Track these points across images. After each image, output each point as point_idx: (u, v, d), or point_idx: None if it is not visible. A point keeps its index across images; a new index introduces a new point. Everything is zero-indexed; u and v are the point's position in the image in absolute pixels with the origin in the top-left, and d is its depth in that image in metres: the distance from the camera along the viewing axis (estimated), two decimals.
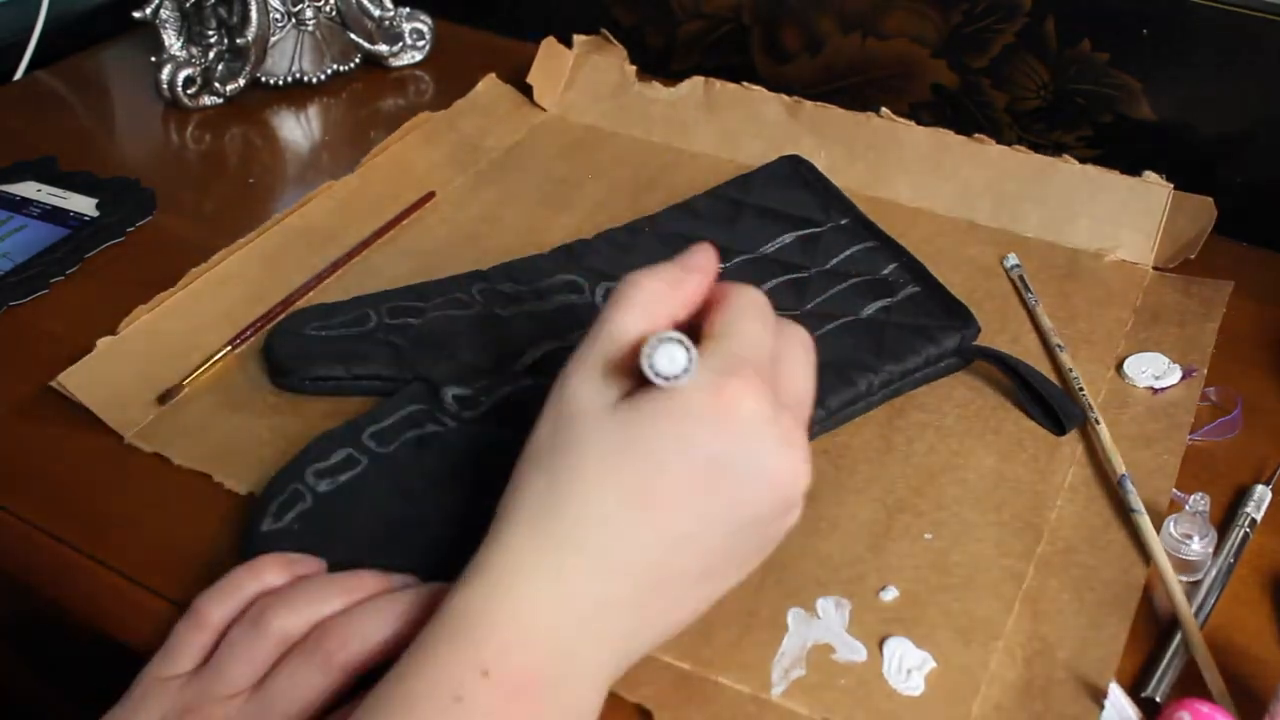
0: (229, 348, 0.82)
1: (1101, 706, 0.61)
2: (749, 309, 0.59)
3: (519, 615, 0.54)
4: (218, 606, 0.61)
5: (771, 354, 0.59)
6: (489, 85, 1.12)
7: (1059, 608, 0.66)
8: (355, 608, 0.59)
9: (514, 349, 0.78)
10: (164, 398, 0.78)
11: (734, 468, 0.55)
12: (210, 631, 0.60)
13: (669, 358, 0.54)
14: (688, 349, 0.54)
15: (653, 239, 0.89)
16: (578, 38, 1.12)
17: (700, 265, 0.61)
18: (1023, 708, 0.61)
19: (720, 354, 0.56)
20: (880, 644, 0.64)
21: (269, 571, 0.63)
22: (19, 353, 0.84)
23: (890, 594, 0.66)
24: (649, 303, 0.58)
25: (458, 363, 0.77)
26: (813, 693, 0.61)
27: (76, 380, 0.79)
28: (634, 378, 0.57)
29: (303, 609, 0.59)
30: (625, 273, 0.84)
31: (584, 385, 0.57)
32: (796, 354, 0.61)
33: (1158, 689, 0.62)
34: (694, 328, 0.59)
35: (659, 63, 1.18)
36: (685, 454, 0.55)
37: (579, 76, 1.11)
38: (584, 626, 0.55)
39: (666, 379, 0.54)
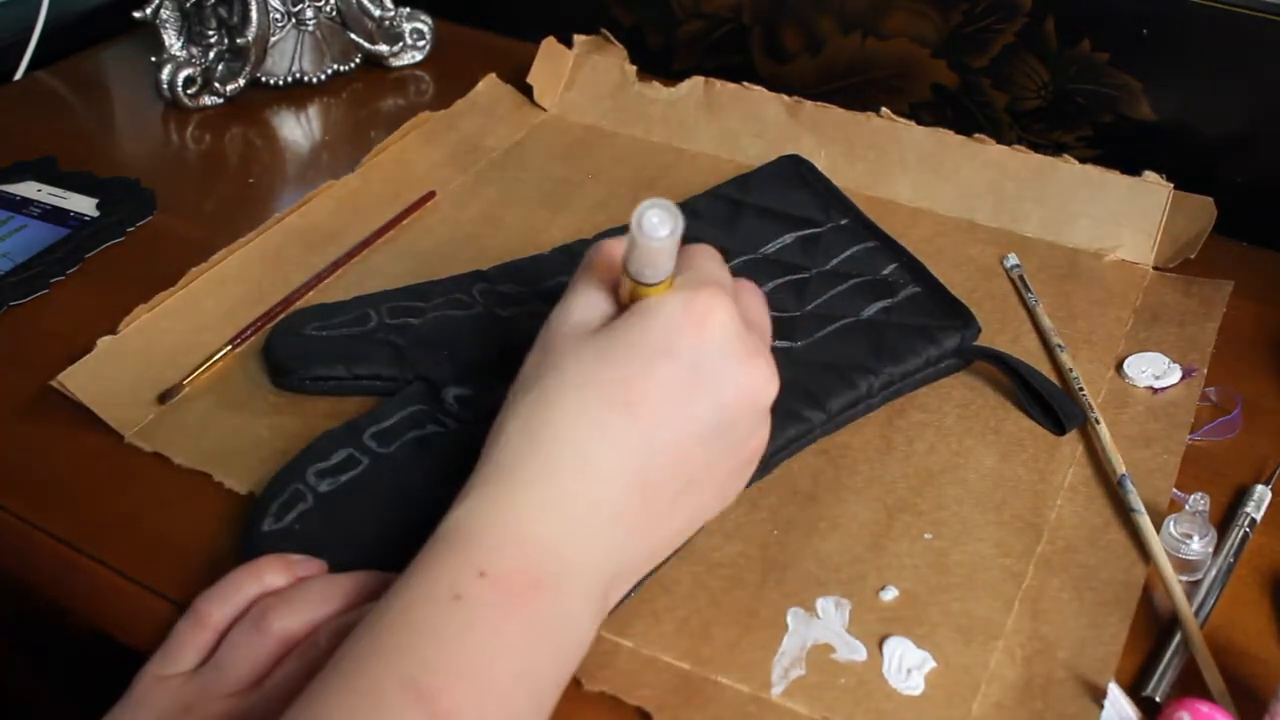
0: (229, 347, 0.82)
1: (1101, 706, 0.61)
2: (704, 252, 0.64)
3: (511, 520, 0.56)
4: (218, 607, 0.61)
5: (731, 287, 0.63)
6: (489, 85, 1.12)
7: (1059, 607, 0.66)
8: (357, 609, 0.59)
9: (514, 349, 0.77)
10: (164, 397, 0.78)
11: (708, 371, 0.58)
12: (211, 631, 0.61)
13: (657, 218, 0.56)
14: (674, 212, 0.56)
15: None
16: (578, 38, 1.12)
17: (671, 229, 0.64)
18: (1023, 707, 0.61)
19: (688, 277, 0.60)
20: (880, 643, 0.64)
21: (270, 572, 0.63)
22: (19, 353, 0.84)
23: (890, 593, 0.66)
24: (613, 261, 0.62)
25: (458, 363, 0.77)
26: (813, 692, 0.61)
27: (77, 379, 0.79)
28: (605, 313, 0.62)
29: (304, 610, 0.60)
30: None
31: (565, 322, 0.61)
32: (751, 293, 0.66)
33: (1157, 689, 0.62)
34: None
35: (659, 63, 1.18)
36: (662, 358, 0.58)
37: (579, 76, 1.11)
38: (574, 530, 0.57)
39: (655, 238, 0.56)
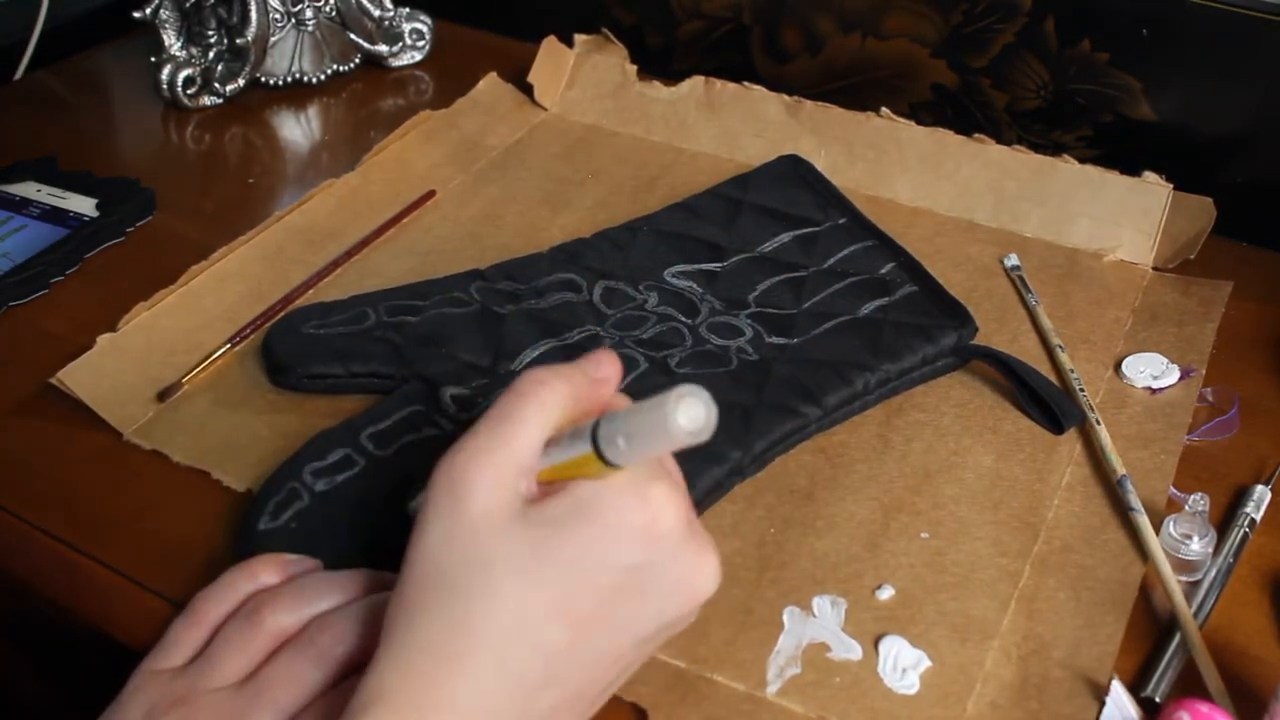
0: (228, 345, 0.82)
1: (1099, 704, 0.61)
2: None
3: None
4: (214, 605, 0.61)
5: (676, 470, 0.57)
6: (490, 84, 1.12)
7: (1055, 606, 0.66)
8: (351, 605, 0.59)
9: (512, 347, 0.78)
10: (163, 395, 0.79)
11: (656, 578, 0.53)
12: (205, 628, 0.61)
13: (689, 413, 0.49)
14: (703, 397, 0.49)
15: (651, 238, 0.89)
16: (579, 37, 1.12)
17: (608, 376, 0.57)
18: (1018, 706, 0.61)
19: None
20: (876, 642, 0.64)
21: (265, 571, 0.63)
22: (19, 352, 0.84)
23: (886, 593, 0.66)
24: (553, 406, 0.55)
25: (456, 361, 0.77)
26: (808, 691, 0.61)
27: (76, 377, 0.79)
28: (532, 480, 0.54)
29: (298, 606, 0.59)
30: (624, 271, 0.85)
31: (487, 490, 0.53)
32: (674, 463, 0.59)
33: (1157, 689, 0.62)
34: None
35: (659, 63, 1.18)
36: (610, 566, 0.52)
37: (580, 76, 1.11)
38: None
39: (692, 433, 0.49)
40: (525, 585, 0.51)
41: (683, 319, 0.82)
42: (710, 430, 0.49)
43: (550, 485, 0.54)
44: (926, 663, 0.63)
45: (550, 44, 1.11)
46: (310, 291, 0.88)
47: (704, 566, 0.54)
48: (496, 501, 0.52)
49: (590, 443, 0.52)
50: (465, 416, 0.73)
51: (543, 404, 0.54)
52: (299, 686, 0.56)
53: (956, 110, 1.07)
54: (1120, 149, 1.01)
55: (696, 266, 0.86)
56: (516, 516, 0.52)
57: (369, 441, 0.72)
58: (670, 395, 0.49)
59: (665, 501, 0.52)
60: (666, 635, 0.56)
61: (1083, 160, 0.94)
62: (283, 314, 0.84)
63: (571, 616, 0.51)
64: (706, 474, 0.70)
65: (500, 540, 0.52)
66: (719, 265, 0.86)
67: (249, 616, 0.59)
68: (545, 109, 1.11)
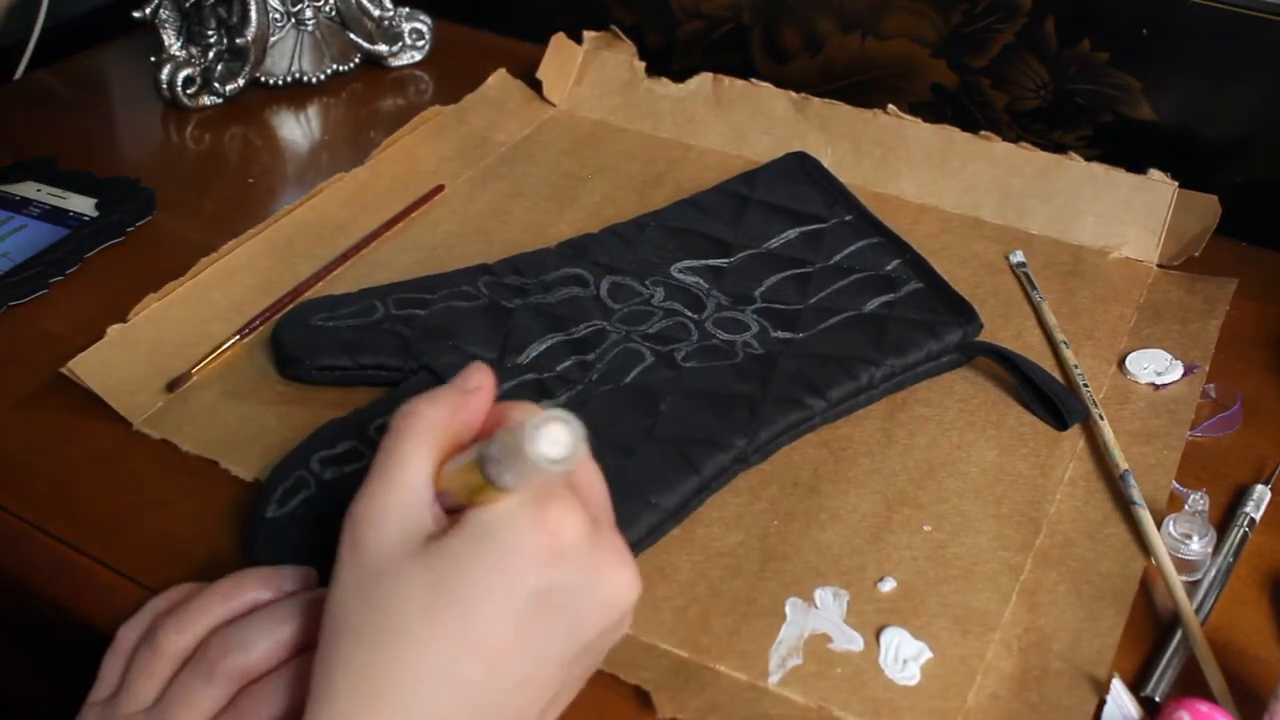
0: (237, 337, 0.83)
1: (1098, 696, 0.61)
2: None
3: None
4: (133, 633, 0.62)
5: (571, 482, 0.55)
6: (499, 80, 1.13)
7: (1055, 600, 0.66)
8: (240, 620, 0.59)
9: (519, 341, 0.78)
10: (172, 385, 0.79)
11: (566, 597, 0.52)
12: (126, 657, 0.62)
13: (551, 439, 0.47)
14: (567, 422, 0.47)
15: (658, 233, 0.89)
16: (587, 34, 1.12)
17: (480, 384, 0.57)
18: (1018, 698, 0.61)
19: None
20: (877, 634, 0.64)
21: (176, 593, 0.64)
22: (18, 352, 0.84)
23: (888, 585, 0.67)
24: (433, 433, 0.55)
25: (463, 354, 0.77)
26: (809, 681, 0.62)
27: (86, 367, 0.79)
28: (429, 514, 0.53)
29: (188, 625, 0.60)
30: (630, 267, 0.85)
31: (382, 532, 0.52)
32: (586, 470, 0.57)
33: (1157, 688, 0.62)
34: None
35: (659, 63, 1.18)
36: (514, 593, 0.50)
37: (588, 72, 1.12)
38: None
39: (556, 461, 0.47)
40: (428, 624, 0.50)
41: (689, 314, 0.82)
42: (578, 458, 0.47)
43: (455, 515, 0.53)
44: (928, 654, 0.63)
45: (559, 40, 1.12)
46: (319, 284, 0.89)
47: (616, 577, 0.53)
48: (392, 543, 0.52)
49: (479, 469, 0.51)
50: None
51: (419, 435, 0.54)
52: (196, 707, 0.57)
53: (956, 110, 1.08)
54: (1120, 149, 1.01)
55: (703, 262, 0.87)
56: (414, 555, 0.51)
57: (377, 434, 0.72)
58: (529, 422, 0.47)
59: (562, 519, 0.51)
60: (599, 651, 0.55)
61: (1083, 160, 0.94)
62: (292, 306, 0.85)
63: (482, 650, 0.50)
64: (711, 460, 0.71)
65: (399, 582, 0.51)
66: (725, 261, 0.87)
67: (149, 642, 0.60)
68: (554, 105, 1.11)
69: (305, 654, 0.57)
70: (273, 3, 1.12)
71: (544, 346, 0.78)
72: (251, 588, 0.61)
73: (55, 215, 0.96)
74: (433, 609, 0.50)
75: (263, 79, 1.15)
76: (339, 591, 0.53)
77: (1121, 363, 0.82)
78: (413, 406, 0.55)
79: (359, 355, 0.78)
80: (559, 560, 0.51)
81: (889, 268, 0.86)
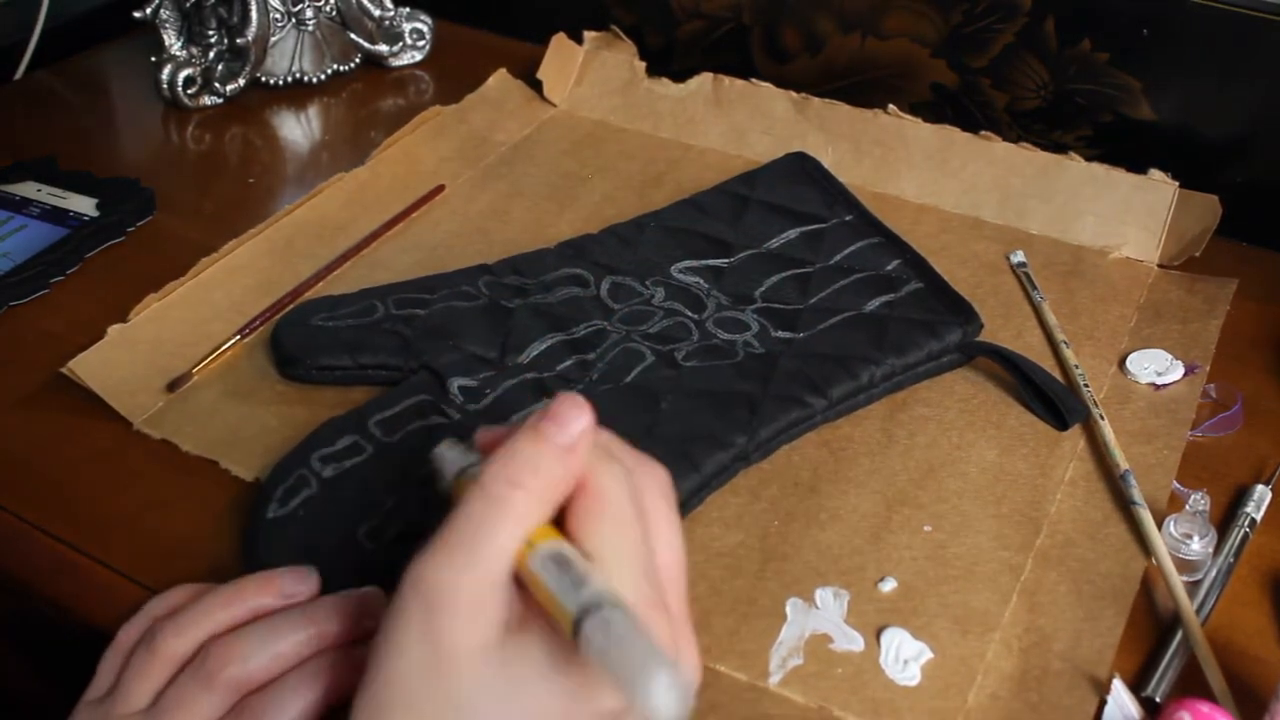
0: (238, 337, 0.83)
1: (1099, 695, 0.61)
2: (613, 508, 0.52)
3: None
4: (133, 633, 0.63)
5: (645, 543, 0.52)
6: (499, 80, 1.13)
7: (1056, 600, 0.66)
8: (239, 630, 0.60)
9: (519, 341, 0.79)
10: (173, 385, 0.79)
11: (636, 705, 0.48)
12: (124, 657, 0.62)
13: (666, 696, 0.44)
14: (683, 697, 0.44)
15: (658, 233, 0.89)
16: (588, 34, 1.12)
17: (578, 433, 0.52)
18: (1018, 698, 0.61)
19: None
20: (878, 634, 0.64)
21: (176, 595, 0.64)
22: (18, 352, 0.84)
23: (889, 585, 0.67)
24: (532, 511, 0.50)
25: (463, 354, 0.78)
26: (810, 681, 0.62)
27: (86, 367, 0.79)
28: (508, 597, 0.50)
29: (188, 629, 0.60)
30: (631, 267, 0.85)
31: (462, 617, 0.49)
32: (661, 515, 0.54)
33: (1157, 689, 0.62)
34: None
35: (659, 63, 1.18)
36: (585, 707, 0.49)
37: (589, 72, 1.12)
38: None
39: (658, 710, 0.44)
40: None
41: (689, 314, 0.82)
42: (681, 700, 0.44)
43: (528, 600, 0.51)
44: (928, 654, 0.63)
45: (559, 40, 1.12)
46: (319, 284, 0.89)
47: (686, 672, 0.51)
48: (474, 632, 0.49)
49: (571, 625, 0.47)
50: (473, 407, 0.74)
51: (518, 514, 0.50)
52: (191, 710, 0.57)
53: (956, 110, 1.08)
54: (1120, 149, 1.01)
55: (703, 262, 0.87)
56: (493, 651, 0.49)
57: (377, 428, 0.73)
58: (660, 672, 0.44)
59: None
60: None
61: (1083, 160, 0.94)
62: (292, 306, 0.85)
63: None
64: (712, 458, 0.71)
65: (478, 680, 0.48)
66: (726, 261, 0.87)
67: (147, 644, 0.60)
68: (554, 105, 1.11)
69: (305, 664, 0.58)
70: (273, 3, 1.12)
71: (544, 346, 0.78)
72: (251, 594, 0.61)
73: (55, 215, 0.96)
74: (503, 708, 0.48)
75: (263, 79, 1.15)
76: (404, 666, 0.49)
77: (1122, 363, 0.82)
78: (514, 474, 0.50)
79: (359, 355, 0.78)
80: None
81: (889, 268, 0.86)
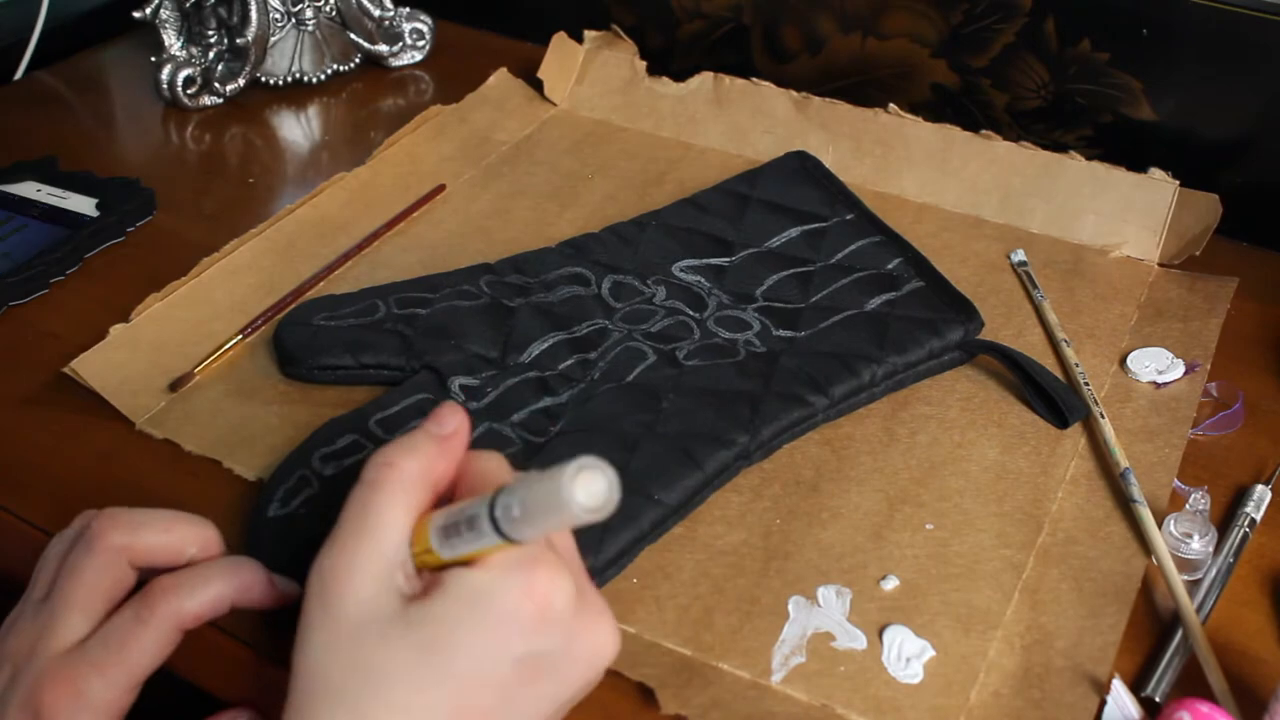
0: (240, 336, 0.83)
1: (1100, 693, 0.61)
2: (501, 477, 0.55)
3: None
4: (60, 541, 0.62)
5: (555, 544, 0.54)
6: (500, 79, 1.13)
7: (1058, 598, 0.66)
8: (185, 570, 0.59)
9: (520, 340, 0.79)
10: (175, 385, 0.79)
11: (552, 660, 0.52)
12: (53, 562, 0.61)
13: (588, 489, 0.46)
14: (604, 471, 0.46)
15: (659, 232, 0.89)
16: (588, 33, 1.12)
17: (455, 427, 0.56)
18: (1020, 695, 0.61)
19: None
20: (880, 632, 0.64)
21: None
22: (18, 352, 0.84)
23: (891, 583, 0.67)
24: (411, 486, 0.53)
25: (464, 353, 0.78)
26: (812, 679, 0.62)
27: (88, 367, 0.79)
28: (403, 572, 0.52)
29: (124, 524, 0.59)
30: (632, 266, 0.85)
31: (359, 591, 0.51)
32: None
33: (1157, 689, 0.62)
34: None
35: (660, 62, 1.18)
36: (501, 659, 0.50)
37: (589, 71, 1.12)
38: None
39: (592, 510, 0.46)
40: (415, 690, 0.49)
41: (690, 313, 0.82)
42: (612, 507, 0.46)
43: (431, 572, 0.52)
44: (930, 652, 0.63)
45: (560, 40, 1.12)
46: (321, 284, 0.89)
47: (600, 637, 0.53)
48: (372, 603, 0.50)
49: (489, 522, 0.49)
50: (474, 406, 0.74)
51: (396, 488, 0.53)
52: (132, 641, 0.56)
53: (956, 110, 1.08)
54: (1121, 149, 1.01)
55: (704, 261, 0.87)
56: (396, 617, 0.50)
57: (378, 427, 0.73)
58: (567, 469, 0.46)
59: (551, 585, 0.50)
60: (575, 700, 0.55)
61: (1084, 159, 0.94)
62: (294, 306, 0.85)
63: (468, 714, 0.50)
64: (714, 457, 0.71)
65: (383, 646, 0.50)
66: (727, 260, 0.87)
67: (83, 535, 0.60)
68: (555, 104, 1.11)
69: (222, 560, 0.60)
70: (273, 3, 1.12)
71: (546, 345, 0.79)
72: (180, 528, 0.61)
73: (55, 215, 0.96)
74: (418, 674, 0.49)
75: (263, 79, 1.15)
76: (312, 651, 0.51)
77: (1123, 361, 0.82)
78: (388, 457, 0.53)
79: (361, 355, 0.78)
80: (548, 626, 0.51)
81: (890, 266, 0.86)
